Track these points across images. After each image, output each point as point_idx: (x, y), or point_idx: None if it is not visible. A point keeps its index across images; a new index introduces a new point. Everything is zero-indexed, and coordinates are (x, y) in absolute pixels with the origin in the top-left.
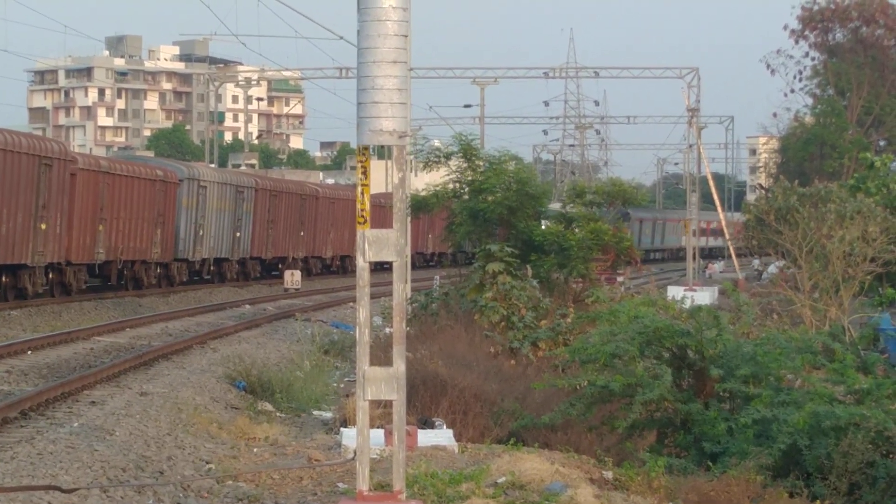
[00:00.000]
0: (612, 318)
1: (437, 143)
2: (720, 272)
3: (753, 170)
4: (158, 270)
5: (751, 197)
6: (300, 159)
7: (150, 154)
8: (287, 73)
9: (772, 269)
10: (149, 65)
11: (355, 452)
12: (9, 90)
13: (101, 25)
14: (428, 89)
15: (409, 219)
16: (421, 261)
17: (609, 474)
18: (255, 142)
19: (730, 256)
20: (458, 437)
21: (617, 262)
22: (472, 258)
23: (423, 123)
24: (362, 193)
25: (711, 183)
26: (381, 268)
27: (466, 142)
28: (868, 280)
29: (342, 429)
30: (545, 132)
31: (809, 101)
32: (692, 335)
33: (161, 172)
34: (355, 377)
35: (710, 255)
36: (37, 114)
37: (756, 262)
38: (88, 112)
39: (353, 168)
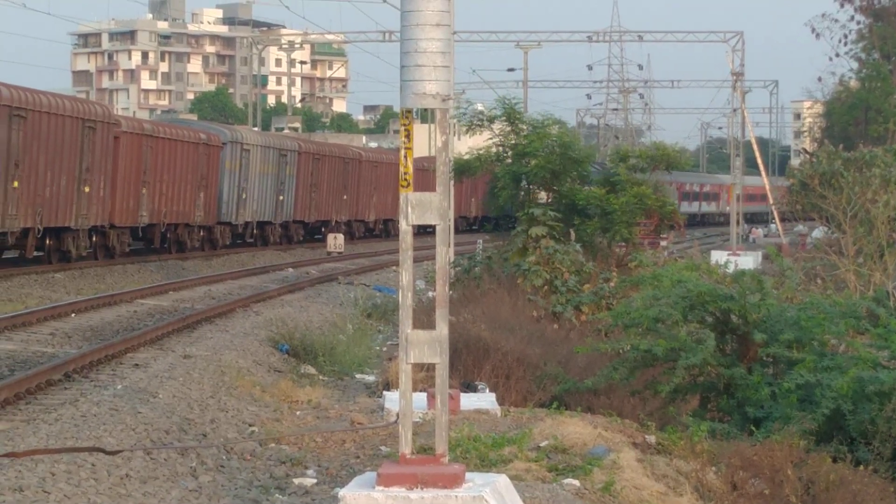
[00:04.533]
0: (655, 282)
1: (480, 106)
2: (764, 237)
3: (798, 134)
4: (201, 233)
5: (795, 161)
6: (343, 123)
7: (194, 117)
8: (330, 37)
9: (816, 233)
10: (192, 28)
11: (398, 416)
12: (52, 53)
13: None
14: (471, 53)
15: (452, 182)
16: (464, 225)
17: (652, 438)
18: (298, 105)
19: (773, 221)
20: (500, 401)
21: (660, 227)
22: (515, 222)
23: (467, 87)
24: (405, 157)
25: (755, 147)
26: (424, 231)
27: (510, 105)
28: None
29: (385, 392)
30: (589, 96)
31: (854, 65)
32: (736, 300)
33: (204, 136)
34: (398, 340)
35: (701, 222)
36: (80, 77)
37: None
38: (132, 75)
39: (397, 131)
